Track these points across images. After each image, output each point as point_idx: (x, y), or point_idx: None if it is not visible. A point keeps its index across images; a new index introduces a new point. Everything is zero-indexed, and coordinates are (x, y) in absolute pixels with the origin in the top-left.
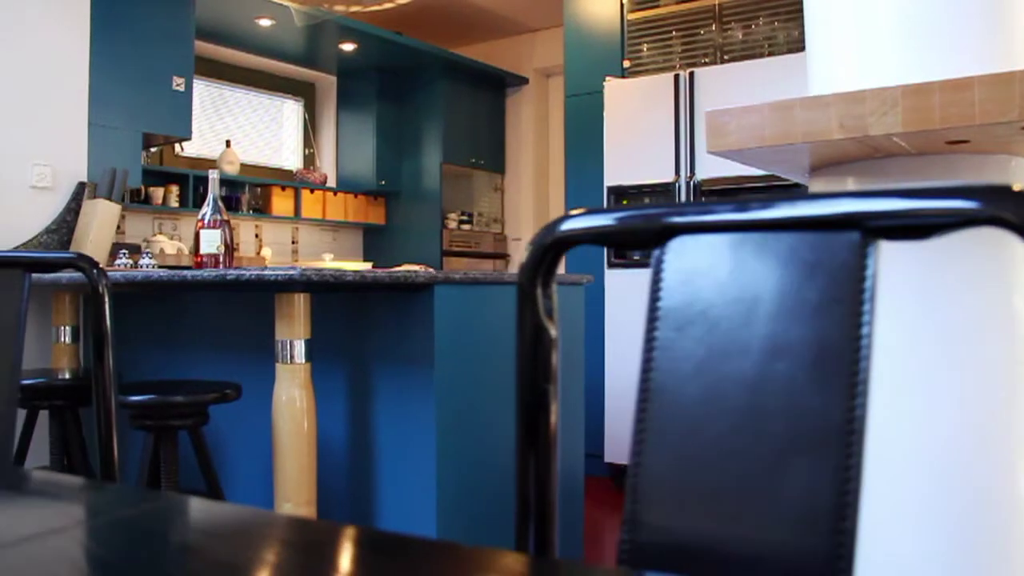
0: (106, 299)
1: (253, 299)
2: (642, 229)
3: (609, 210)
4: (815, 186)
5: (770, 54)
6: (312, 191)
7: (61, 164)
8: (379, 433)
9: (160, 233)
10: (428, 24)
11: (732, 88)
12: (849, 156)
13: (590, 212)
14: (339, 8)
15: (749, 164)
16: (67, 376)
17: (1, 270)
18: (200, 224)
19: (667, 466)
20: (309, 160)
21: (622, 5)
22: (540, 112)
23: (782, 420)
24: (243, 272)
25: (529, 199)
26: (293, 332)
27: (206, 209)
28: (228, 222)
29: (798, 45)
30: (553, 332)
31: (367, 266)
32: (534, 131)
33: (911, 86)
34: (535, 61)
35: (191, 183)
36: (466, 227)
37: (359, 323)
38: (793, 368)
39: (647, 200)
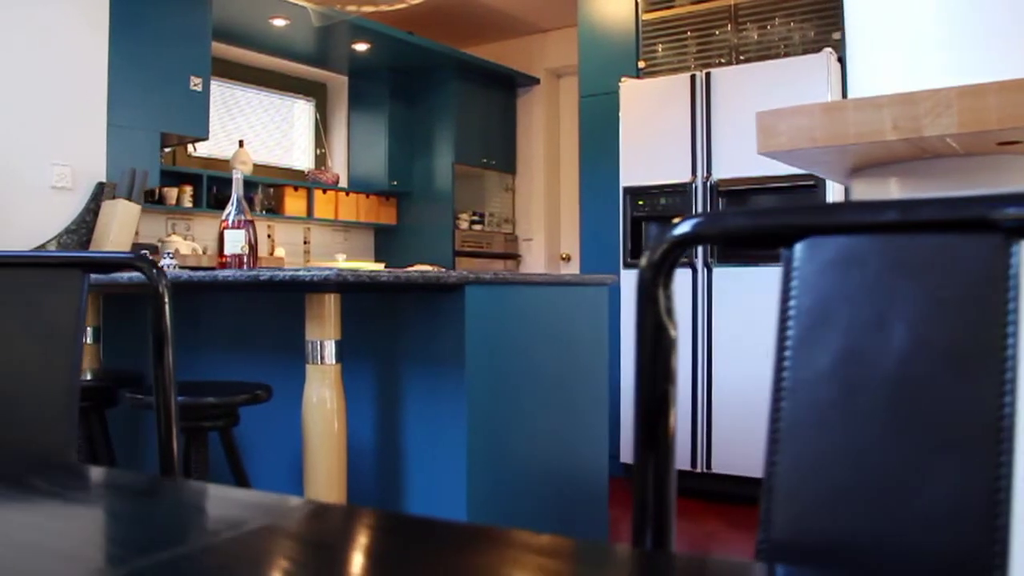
0: (166, 299)
1: (279, 299)
2: (773, 228)
3: (739, 211)
4: (858, 187)
5: (786, 55)
6: (324, 191)
7: (80, 164)
8: (408, 434)
9: (174, 233)
10: (439, 24)
11: (749, 89)
12: (896, 157)
13: (716, 213)
14: (354, 9)
15: (792, 164)
16: (90, 378)
17: (60, 270)
18: (224, 224)
19: (803, 464)
20: (320, 160)
21: (637, 6)
22: (551, 112)
23: (926, 419)
24: (277, 273)
25: (540, 199)
26: (324, 333)
27: (230, 209)
28: (252, 222)
29: (814, 46)
30: (673, 332)
31: (380, 266)
32: (545, 131)
33: (966, 87)
34: (546, 61)
35: (205, 183)
36: (477, 227)
37: (388, 323)
38: (935, 367)
39: (663, 201)
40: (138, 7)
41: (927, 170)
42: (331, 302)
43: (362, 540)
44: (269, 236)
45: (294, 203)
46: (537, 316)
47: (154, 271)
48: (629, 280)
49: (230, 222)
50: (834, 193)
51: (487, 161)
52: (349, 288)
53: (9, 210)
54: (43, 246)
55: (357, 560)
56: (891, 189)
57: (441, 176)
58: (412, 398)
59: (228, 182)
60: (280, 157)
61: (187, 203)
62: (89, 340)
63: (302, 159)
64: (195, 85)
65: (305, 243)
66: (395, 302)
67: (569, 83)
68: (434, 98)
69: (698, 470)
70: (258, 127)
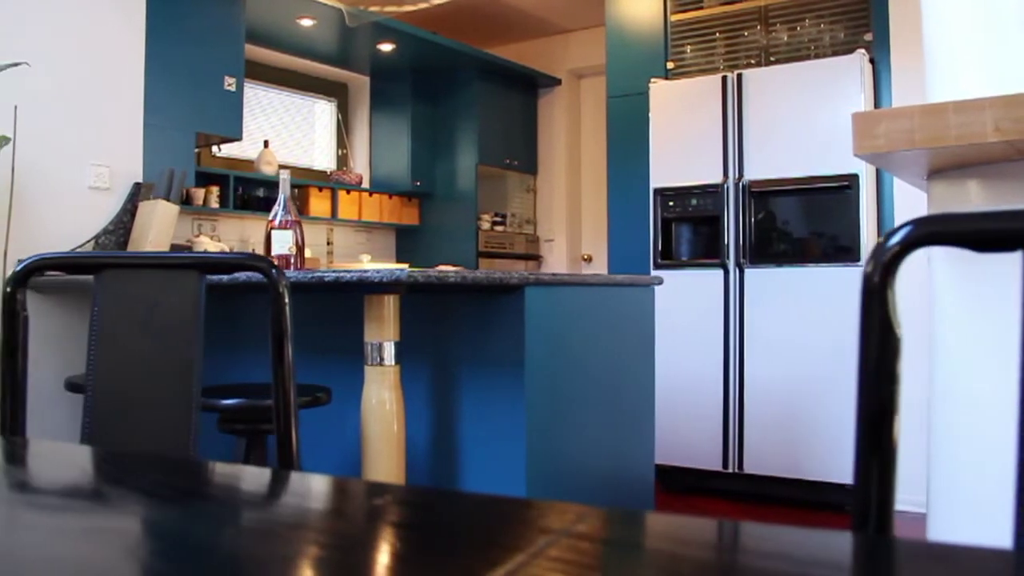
0: (286, 299)
1: (333, 300)
2: (1012, 231)
3: (972, 213)
4: (936, 190)
5: (816, 56)
6: (348, 192)
7: (117, 165)
8: (466, 435)
9: (201, 234)
10: (461, 24)
11: (781, 90)
12: (989, 158)
13: (949, 215)
14: (392, 9)
15: (875, 164)
16: None
17: (179, 272)
18: (271, 224)
19: None
20: (342, 161)
21: (665, 7)
22: (572, 113)
23: None
24: (344, 274)
25: (562, 200)
26: (383, 334)
27: (277, 209)
28: (299, 223)
29: (844, 47)
30: (899, 332)
31: (404, 267)
32: (566, 132)
33: None
34: (568, 62)
35: (231, 184)
36: (499, 228)
37: (442, 324)
38: None
39: (694, 202)
40: (174, 7)
41: (1011, 172)
42: (391, 303)
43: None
44: None
45: (318, 204)
46: (589, 317)
47: (273, 271)
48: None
49: (277, 222)
50: (868, 195)
51: (509, 162)
52: (418, 289)
53: (48, 210)
54: (81, 247)
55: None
56: (971, 191)
57: (464, 177)
58: (469, 399)
59: (253, 183)
60: (299, 157)
61: (213, 204)
62: None
63: (323, 160)
64: (229, 85)
65: (328, 244)
66: (449, 302)
67: (590, 84)
68: (457, 98)
69: (729, 470)
70: (279, 127)
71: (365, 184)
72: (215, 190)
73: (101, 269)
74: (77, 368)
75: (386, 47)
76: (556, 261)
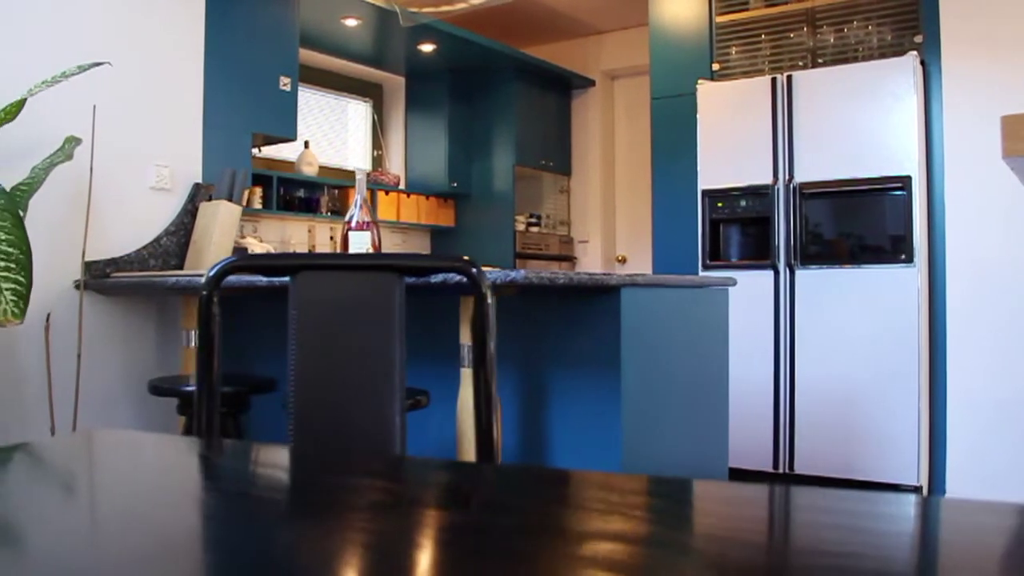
0: (489, 299)
1: (423, 302)
2: None
3: None
4: None
5: (865, 58)
6: (387, 193)
7: (178, 165)
8: (559, 435)
9: (246, 235)
10: (496, 24)
11: (831, 91)
12: None
13: None
14: (444, 9)
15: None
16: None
17: (377, 274)
18: (347, 226)
19: None
20: (377, 162)
21: (710, 8)
22: (606, 114)
23: None
24: (451, 276)
25: (596, 201)
26: None
27: (353, 210)
28: (376, 224)
29: (892, 49)
30: None
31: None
32: (600, 133)
33: None
34: (601, 63)
35: (275, 185)
36: (534, 229)
37: (533, 324)
38: None
39: (743, 203)
40: (232, 6)
41: None
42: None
43: None
44: (331, 238)
45: None
46: (675, 318)
47: (475, 271)
48: None
49: (353, 223)
50: (921, 198)
51: (545, 163)
52: (531, 290)
53: (115, 211)
54: (144, 248)
55: None
56: None
57: (501, 178)
58: (562, 399)
59: (294, 183)
60: (331, 157)
61: (256, 204)
62: (196, 344)
63: (355, 160)
64: (284, 85)
65: None
66: (540, 303)
67: (624, 85)
68: (494, 99)
69: (780, 471)
70: (313, 127)
71: (402, 185)
72: (258, 191)
73: (296, 271)
74: (145, 369)
75: (426, 47)
76: (590, 262)
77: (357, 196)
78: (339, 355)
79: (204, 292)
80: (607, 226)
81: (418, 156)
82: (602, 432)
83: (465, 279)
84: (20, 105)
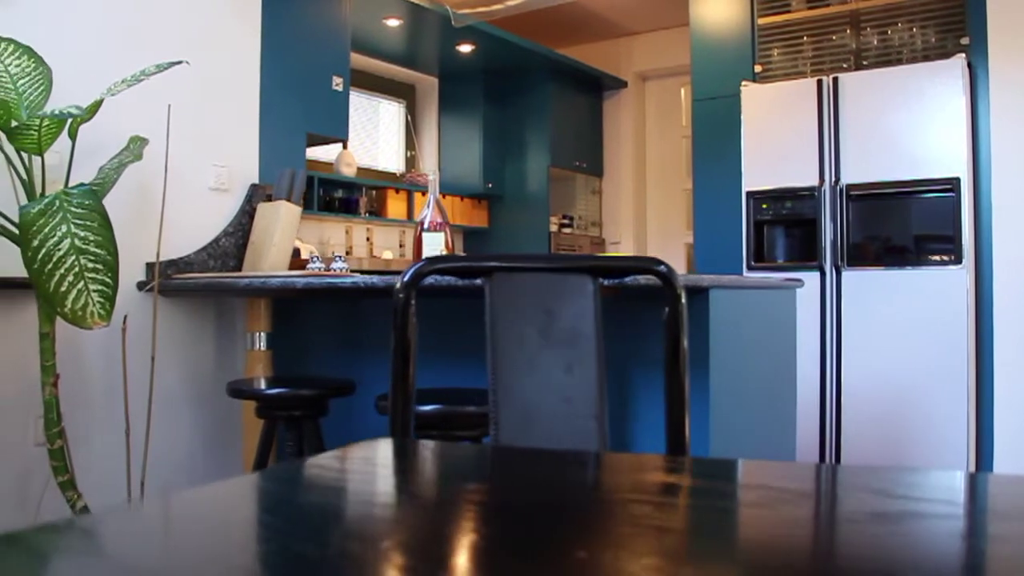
0: (683, 299)
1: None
2: None
3: None
4: None
5: (910, 60)
6: (423, 194)
7: (236, 166)
8: (650, 429)
9: None
10: (529, 25)
11: (878, 94)
12: None
13: None
14: (495, 8)
15: None
16: (264, 386)
17: (573, 275)
18: (420, 227)
19: None
20: (411, 163)
21: (752, 10)
22: (638, 115)
23: None
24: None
25: (628, 202)
26: None
27: (426, 211)
28: (448, 224)
29: (937, 51)
30: None
31: None
32: (632, 134)
33: None
34: (633, 64)
35: (316, 186)
36: (567, 231)
37: (619, 323)
38: None
39: (788, 205)
40: (286, 7)
41: None
42: None
43: None
44: (368, 239)
45: (395, 205)
46: (753, 318)
47: (665, 271)
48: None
49: (426, 224)
50: (969, 200)
51: (579, 164)
52: (628, 291)
53: (177, 211)
54: (203, 249)
55: None
56: None
57: (535, 179)
58: (651, 395)
59: (333, 184)
60: (361, 158)
61: None
62: (263, 346)
63: (387, 161)
64: (336, 85)
65: (400, 246)
66: (626, 303)
67: (655, 86)
68: (529, 100)
69: None
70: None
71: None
72: None
73: (492, 272)
74: (206, 371)
75: (465, 48)
76: None
77: (430, 196)
78: (540, 357)
79: (401, 295)
80: (638, 227)
81: (452, 157)
82: (692, 427)
83: (658, 280)
84: (98, 105)
